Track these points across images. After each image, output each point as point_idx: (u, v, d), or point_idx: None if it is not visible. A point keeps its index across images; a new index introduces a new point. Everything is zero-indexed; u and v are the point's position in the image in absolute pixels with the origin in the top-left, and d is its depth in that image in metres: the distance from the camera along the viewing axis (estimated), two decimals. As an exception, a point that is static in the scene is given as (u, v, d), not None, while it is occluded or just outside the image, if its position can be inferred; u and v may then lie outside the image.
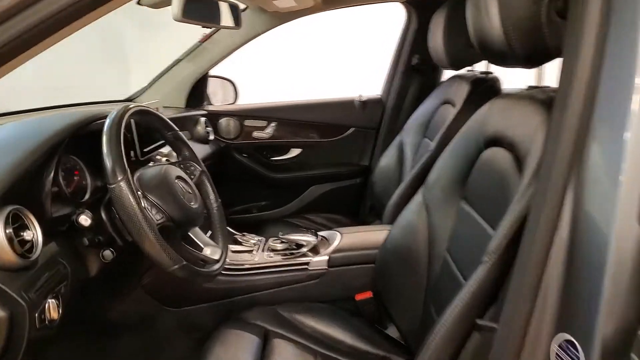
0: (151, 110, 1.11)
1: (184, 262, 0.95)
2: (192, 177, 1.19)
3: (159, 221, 0.96)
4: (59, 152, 0.95)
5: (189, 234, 1.14)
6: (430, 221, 1.20)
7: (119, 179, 0.89)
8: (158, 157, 1.43)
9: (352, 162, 2.32)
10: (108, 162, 0.90)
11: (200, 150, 1.98)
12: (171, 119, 1.87)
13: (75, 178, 1.14)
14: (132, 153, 1.31)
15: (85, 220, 0.94)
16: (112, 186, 0.89)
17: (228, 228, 1.70)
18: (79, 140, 1.03)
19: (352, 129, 2.26)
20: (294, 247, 1.50)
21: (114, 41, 3.13)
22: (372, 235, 1.52)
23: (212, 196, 1.24)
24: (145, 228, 0.89)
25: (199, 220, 1.12)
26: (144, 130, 1.31)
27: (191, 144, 2.01)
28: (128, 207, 0.89)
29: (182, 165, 1.19)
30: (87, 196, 1.16)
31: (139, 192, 0.97)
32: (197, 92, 2.15)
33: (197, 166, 1.22)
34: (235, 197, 2.28)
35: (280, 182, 2.27)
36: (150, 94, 2.06)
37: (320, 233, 1.59)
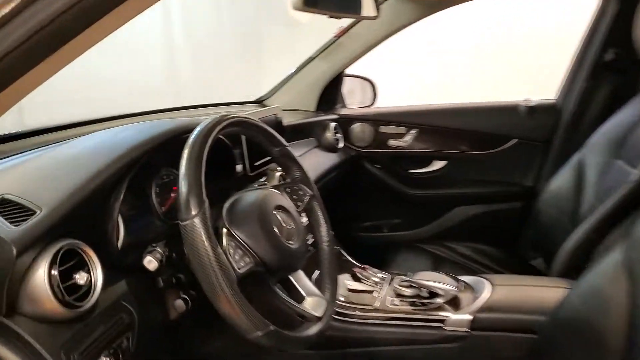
0: (253, 121, 0.89)
1: (271, 328, 0.71)
2: (300, 204, 0.95)
3: (244, 268, 0.73)
4: (134, 171, 0.78)
5: (289, 276, 0.90)
6: (635, 297, 0.80)
7: (193, 214, 0.68)
8: (273, 171, 1.24)
9: (512, 182, 1.87)
10: (183, 189, 0.70)
11: (328, 159, 1.77)
12: (296, 125, 1.70)
13: (172, 195, 0.99)
14: (239, 167, 1.13)
15: (150, 262, 0.76)
16: (184, 223, 0.68)
17: (348, 258, 1.45)
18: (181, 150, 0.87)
19: (513, 141, 1.82)
20: (427, 295, 1.18)
21: (252, 39, 3.12)
22: (536, 293, 1.13)
23: (323, 228, 0.99)
24: (220, 281, 0.67)
25: (299, 263, 0.87)
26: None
27: (318, 152, 1.83)
28: (201, 252, 0.67)
29: (288, 189, 0.95)
30: None
31: (224, 229, 0.76)
32: (330, 94, 1.93)
33: (307, 190, 0.97)
34: (364, 213, 2.02)
35: (417, 200, 1.94)
36: (280, 96, 1.90)
37: (463, 278, 1.24)
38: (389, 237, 2.00)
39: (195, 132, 0.77)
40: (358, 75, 2.09)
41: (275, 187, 0.94)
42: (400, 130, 1.89)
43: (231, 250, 0.74)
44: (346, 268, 1.33)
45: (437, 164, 1.93)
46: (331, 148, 1.79)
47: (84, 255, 0.68)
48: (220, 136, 0.96)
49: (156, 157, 0.98)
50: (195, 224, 0.67)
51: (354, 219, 2.02)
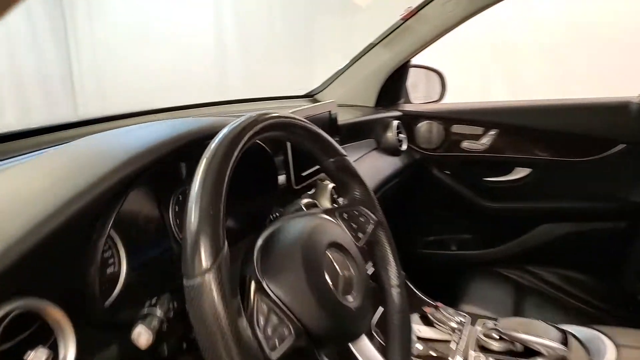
0: (299, 122, 0.65)
1: None
2: (361, 235, 0.69)
3: (280, 349, 0.49)
4: (133, 188, 0.55)
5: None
6: None
7: (203, 268, 0.44)
8: (323, 182, 0.99)
9: (615, 196, 1.52)
10: (191, 226, 0.46)
11: (389, 164, 1.50)
12: (353, 124, 1.44)
13: None
14: (282, 179, 0.89)
15: (140, 335, 0.52)
16: (190, 283, 0.44)
17: (416, 291, 1.19)
18: None
19: (620, 146, 1.47)
20: (521, 350, 0.90)
21: (301, 28, 2.88)
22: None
23: (392, 267, 0.73)
24: None
25: (361, 328, 0.62)
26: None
27: (377, 155, 1.55)
28: (213, 329, 0.43)
29: (345, 214, 0.70)
30: None
31: (253, 282, 0.52)
32: (393, 87, 1.65)
33: (371, 215, 0.71)
34: (427, 226, 1.73)
35: (494, 213, 1.63)
36: (334, 89, 1.64)
37: (569, 328, 0.94)
38: (457, 256, 1.71)
39: (218, 138, 0.53)
40: (424, 66, 1.81)
41: (327, 211, 0.69)
42: (476, 130, 1.59)
43: (262, 320, 0.49)
44: (413, 305, 1.07)
45: (520, 172, 1.61)
46: (393, 150, 1.52)
47: (48, 321, 0.46)
48: (258, 141, 0.72)
49: (176, 165, 0.77)
50: (205, 284, 0.43)
51: (415, 232, 1.74)
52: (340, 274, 0.58)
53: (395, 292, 0.72)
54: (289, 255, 0.56)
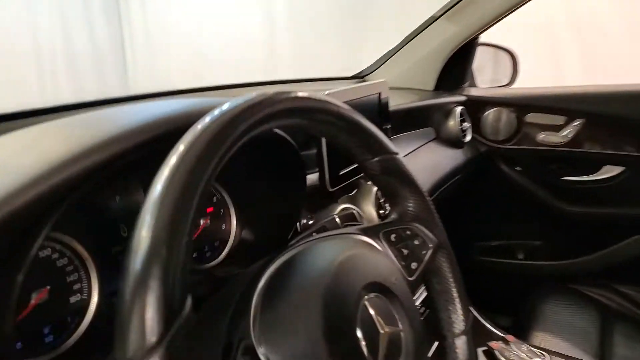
0: (332, 105, 0.46)
1: None
2: (415, 264, 0.50)
3: None
4: (79, 194, 0.39)
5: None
6: None
7: (146, 346, 0.27)
8: (367, 182, 0.80)
9: None
10: (131, 270, 0.28)
11: (450, 158, 1.29)
12: (408, 110, 1.21)
13: (202, 221, 0.62)
14: (313, 178, 0.71)
15: None
16: None
17: (481, 319, 0.98)
18: None
19: None
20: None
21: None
22: None
23: (457, 309, 0.53)
24: None
25: None
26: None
27: (436, 147, 1.33)
28: None
29: (393, 235, 0.51)
30: (222, 255, 0.63)
31: (242, 353, 0.34)
32: (456, 68, 1.42)
33: (429, 234, 0.52)
34: (490, 229, 1.51)
35: (574, 219, 1.38)
36: (387, 69, 1.43)
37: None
38: (524, 266, 1.47)
39: (199, 126, 0.35)
40: (492, 44, 1.56)
41: (367, 230, 0.50)
42: (557, 120, 1.33)
43: None
44: (476, 336, 0.86)
45: (610, 171, 1.34)
46: (455, 141, 1.31)
47: None
48: (277, 130, 0.55)
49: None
50: None
51: (475, 236, 1.52)
52: (382, 331, 0.40)
53: (459, 343, 0.53)
54: (305, 305, 0.38)
